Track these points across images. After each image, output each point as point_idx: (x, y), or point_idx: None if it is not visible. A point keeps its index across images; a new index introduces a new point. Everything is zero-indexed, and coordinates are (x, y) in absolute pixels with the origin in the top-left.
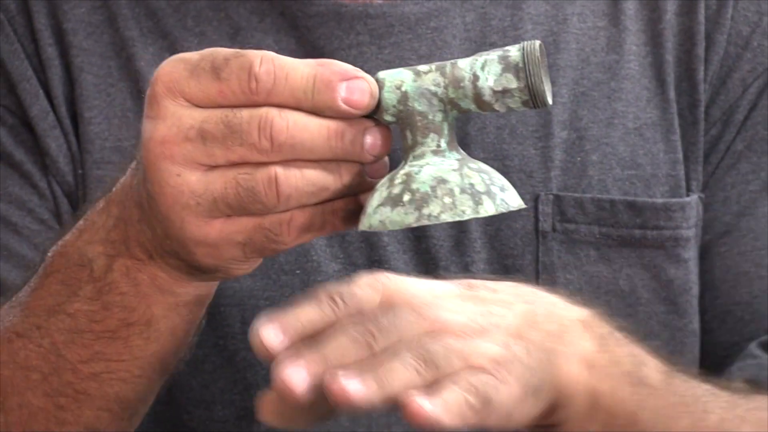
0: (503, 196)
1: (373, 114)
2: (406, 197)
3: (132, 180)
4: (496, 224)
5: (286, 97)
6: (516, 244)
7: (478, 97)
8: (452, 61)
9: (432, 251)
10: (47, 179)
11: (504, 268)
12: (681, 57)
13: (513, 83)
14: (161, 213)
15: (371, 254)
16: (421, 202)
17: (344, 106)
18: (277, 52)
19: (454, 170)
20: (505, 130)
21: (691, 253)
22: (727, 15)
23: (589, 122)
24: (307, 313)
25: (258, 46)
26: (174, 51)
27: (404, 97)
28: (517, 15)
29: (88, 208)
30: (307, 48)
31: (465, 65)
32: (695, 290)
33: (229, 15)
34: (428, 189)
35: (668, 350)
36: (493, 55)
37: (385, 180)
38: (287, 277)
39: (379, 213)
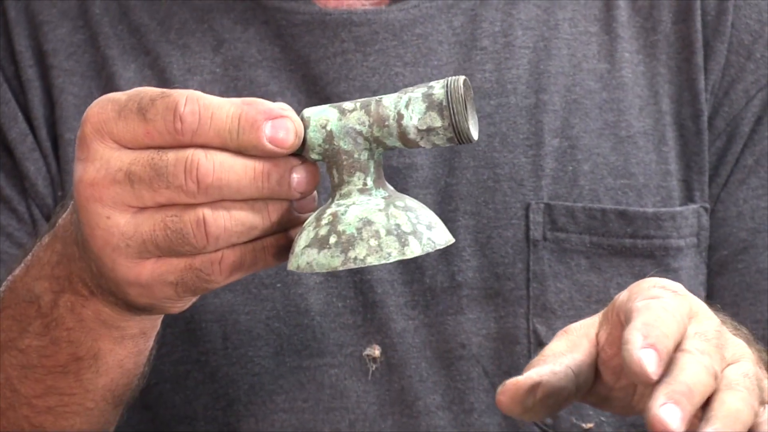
0: (430, 235)
1: (300, 152)
2: (332, 239)
3: (71, 217)
4: (487, 233)
5: (212, 137)
6: (507, 253)
7: (403, 135)
8: (377, 98)
9: (418, 260)
10: (26, 203)
11: (495, 276)
12: (680, 66)
13: (437, 122)
14: (94, 254)
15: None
16: (347, 244)
17: (269, 146)
18: (261, 62)
19: (380, 210)
20: (495, 139)
21: (683, 263)
22: (727, 23)
23: (580, 131)
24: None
25: (241, 58)
26: (156, 66)
27: (329, 136)
28: (507, 20)
29: (35, 242)
30: (292, 56)
31: (390, 103)
32: None
33: (212, 27)
34: (354, 231)
35: None
36: (418, 92)
37: (312, 218)
38: (267, 291)
39: (306, 254)
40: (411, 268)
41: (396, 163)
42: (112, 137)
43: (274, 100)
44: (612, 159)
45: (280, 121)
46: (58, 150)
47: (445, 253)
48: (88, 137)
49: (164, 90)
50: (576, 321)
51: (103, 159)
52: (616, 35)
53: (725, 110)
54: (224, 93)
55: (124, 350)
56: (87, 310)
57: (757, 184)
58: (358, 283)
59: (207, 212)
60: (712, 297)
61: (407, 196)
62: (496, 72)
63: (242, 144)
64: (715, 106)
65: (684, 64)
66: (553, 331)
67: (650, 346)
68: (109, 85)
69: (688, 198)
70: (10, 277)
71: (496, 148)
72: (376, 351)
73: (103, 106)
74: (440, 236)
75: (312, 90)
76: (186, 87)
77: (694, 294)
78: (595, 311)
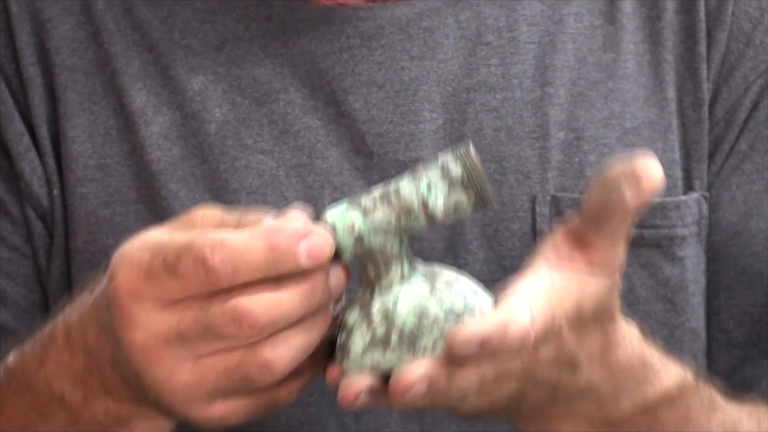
0: (478, 305)
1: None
2: (395, 338)
3: (99, 339)
4: (494, 225)
5: (250, 278)
6: (513, 245)
7: (430, 219)
8: (393, 186)
9: (425, 252)
10: (21, 204)
11: (501, 268)
12: (683, 55)
13: (463, 198)
14: (163, 405)
15: None
16: (411, 340)
17: (309, 265)
18: (263, 59)
19: (429, 295)
20: (502, 132)
21: (687, 251)
22: (727, 11)
23: (586, 123)
24: None
25: (244, 57)
26: (160, 64)
27: (359, 238)
28: (512, 16)
29: (36, 333)
30: (295, 52)
31: (410, 191)
32: (692, 288)
33: (215, 27)
34: (413, 326)
35: (667, 348)
36: (434, 173)
37: (357, 316)
38: None
39: (370, 357)
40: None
41: (402, 157)
42: (148, 300)
43: (277, 98)
44: (618, 150)
45: (312, 239)
46: (60, 147)
47: (452, 246)
48: (124, 304)
49: (185, 242)
50: None
51: (147, 323)
52: (621, 25)
53: (724, 98)
54: (227, 92)
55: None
56: (123, 409)
57: (751, 168)
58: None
59: (268, 352)
60: (708, 283)
61: (439, 268)
62: (502, 66)
63: (281, 272)
64: (714, 94)
65: (687, 53)
66: None
67: None
68: (111, 82)
69: (689, 186)
70: (14, 363)
71: (502, 141)
72: None
73: (129, 271)
74: (486, 301)
75: (317, 85)
76: (189, 86)
77: (696, 282)
78: None
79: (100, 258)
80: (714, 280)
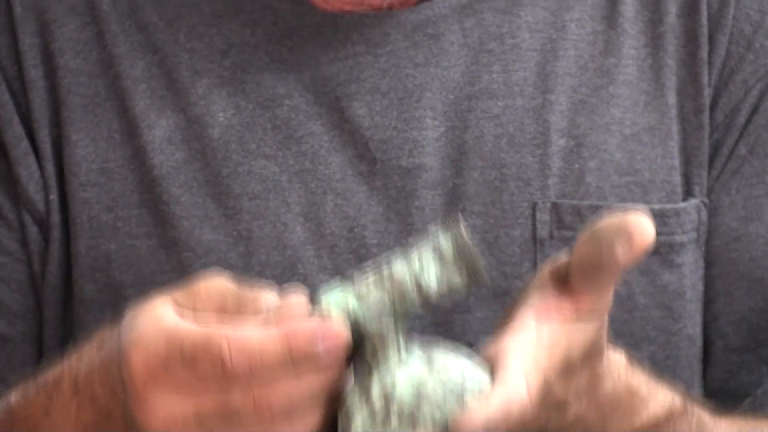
0: (479, 379)
1: None
2: (394, 418)
3: (111, 401)
4: (495, 232)
5: (270, 377)
6: (514, 252)
7: (424, 299)
8: (386, 268)
9: None
10: (17, 209)
11: (502, 275)
12: (685, 60)
13: (456, 278)
14: None
15: (360, 266)
16: (411, 418)
17: (328, 361)
18: (269, 64)
19: (427, 375)
20: (503, 139)
21: (685, 258)
22: (728, 15)
23: (587, 129)
24: None
25: (249, 62)
26: (164, 66)
27: (356, 322)
28: (515, 22)
29: (40, 374)
30: (301, 58)
31: (403, 273)
32: (690, 295)
33: (221, 31)
34: (412, 406)
35: (664, 355)
36: (427, 253)
37: (356, 397)
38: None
39: None
40: None
41: (406, 164)
42: (165, 387)
43: (281, 103)
44: (618, 156)
45: (330, 341)
46: (62, 151)
47: None
48: (141, 389)
49: (201, 337)
50: None
51: (164, 406)
52: (623, 30)
53: (724, 102)
54: (231, 96)
55: None
56: None
57: (751, 172)
58: None
59: (286, 430)
60: (706, 288)
61: (436, 344)
62: (504, 74)
63: (300, 370)
64: (714, 98)
65: (689, 57)
66: None
67: None
68: (115, 84)
69: (689, 192)
70: (17, 407)
71: (503, 148)
72: None
73: (144, 358)
74: (483, 377)
75: (321, 91)
76: (193, 90)
77: (694, 288)
78: None
79: (102, 263)
80: (713, 284)
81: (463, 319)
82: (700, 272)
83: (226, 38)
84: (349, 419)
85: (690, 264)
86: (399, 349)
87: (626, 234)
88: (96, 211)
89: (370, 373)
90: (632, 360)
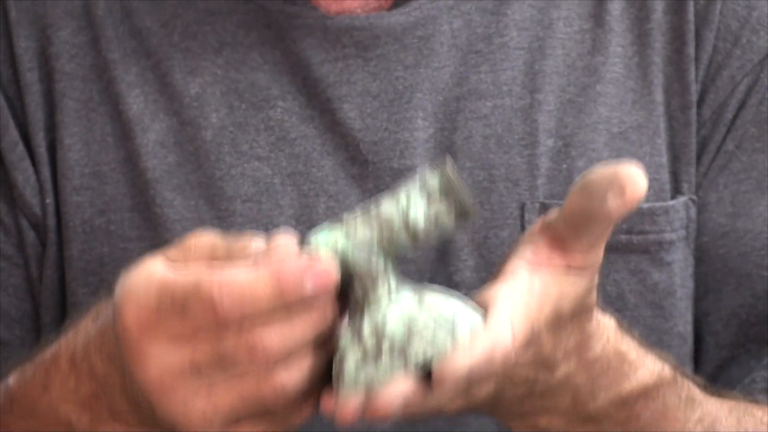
0: (470, 320)
1: None
2: (386, 351)
3: (108, 367)
4: (483, 232)
5: (258, 313)
6: (503, 252)
7: (412, 233)
8: (375, 204)
9: (418, 261)
10: (13, 213)
11: (492, 275)
12: (671, 57)
13: (442, 209)
14: None
15: None
16: (401, 350)
17: (314, 295)
18: (262, 65)
19: (417, 310)
20: (491, 140)
21: (674, 256)
22: (715, 11)
23: (575, 129)
24: None
25: (243, 61)
26: (158, 70)
27: (344, 258)
28: (502, 21)
29: (37, 355)
30: (293, 60)
31: (390, 207)
32: (680, 293)
33: (215, 30)
34: (403, 337)
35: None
36: (412, 187)
37: (348, 338)
38: None
39: (364, 373)
40: (409, 269)
41: (397, 165)
42: (158, 336)
43: (274, 104)
44: (605, 155)
45: (317, 270)
46: (56, 154)
47: (442, 253)
48: (135, 340)
49: (188, 280)
50: None
51: (159, 358)
52: (610, 28)
53: (711, 98)
54: (225, 95)
55: None
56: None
57: (738, 168)
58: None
59: (282, 376)
60: (696, 285)
61: (427, 287)
62: (492, 74)
63: (290, 304)
64: (701, 95)
65: (675, 55)
66: None
67: None
68: (108, 89)
69: (677, 190)
70: (15, 387)
71: (492, 149)
72: None
73: (137, 308)
74: (475, 316)
75: (312, 93)
76: (186, 91)
77: (684, 286)
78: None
79: (95, 266)
80: (702, 281)
81: None
82: (690, 270)
83: (219, 37)
84: (341, 359)
85: (680, 262)
86: (389, 287)
87: (618, 185)
88: (89, 214)
89: (360, 312)
90: (622, 325)
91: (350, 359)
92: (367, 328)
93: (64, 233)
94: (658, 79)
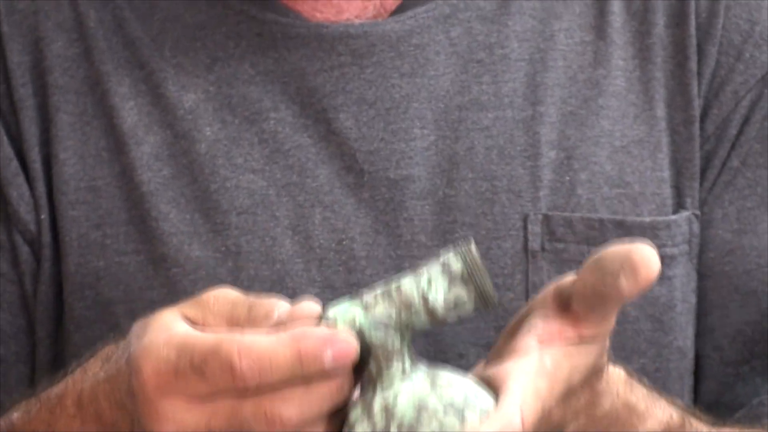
0: (479, 402)
1: None
2: (394, 427)
3: (117, 414)
4: (486, 244)
5: (278, 382)
6: (506, 264)
7: (431, 314)
8: (395, 283)
9: None
10: (8, 230)
11: (494, 287)
12: (673, 71)
13: (463, 295)
14: None
15: (349, 278)
16: (410, 431)
17: (333, 369)
18: (254, 77)
19: (429, 391)
20: (493, 151)
21: (676, 271)
22: (718, 25)
23: (576, 141)
24: None
25: (234, 75)
26: (151, 82)
27: (360, 333)
28: (503, 32)
29: (42, 392)
30: (286, 69)
31: (410, 287)
32: (680, 307)
33: (205, 44)
34: (412, 420)
35: (654, 368)
36: (435, 269)
37: (359, 412)
38: None
39: None
40: None
41: (393, 175)
42: (177, 396)
43: (267, 116)
44: (608, 168)
45: (338, 345)
46: (51, 169)
47: None
48: (153, 399)
49: (212, 343)
50: None
51: (176, 419)
52: (611, 41)
53: (714, 113)
54: (218, 111)
55: None
56: None
57: (743, 184)
58: (356, 288)
59: None
60: (701, 301)
61: (441, 366)
62: (493, 84)
63: (308, 376)
64: (705, 110)
65: (677, 68)
66: None
67: None
68: (102, 101)
69: (680, 205)
70: (19, 424)
71: (494, 160)
72: None
73: (155, 367)
74: (486, 400)
75: (307, 103)
76: (180, 105)
77: (684, 301)
78: None
79: (92, 280)
80: (707, 297)
81: (454, 329)
82: (692, 285)
83: (210, 51)
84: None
85: (681, 276)
86: (403, 363)
87: (631, 266)
88: (84, 228)
89: (373, 387)
90: (631, 374)
91: None
92: (377, 405)
93: (60, 248)
94: (660, 93)
